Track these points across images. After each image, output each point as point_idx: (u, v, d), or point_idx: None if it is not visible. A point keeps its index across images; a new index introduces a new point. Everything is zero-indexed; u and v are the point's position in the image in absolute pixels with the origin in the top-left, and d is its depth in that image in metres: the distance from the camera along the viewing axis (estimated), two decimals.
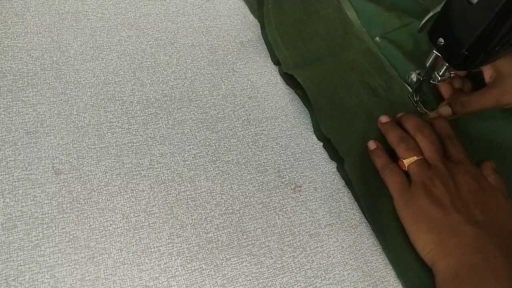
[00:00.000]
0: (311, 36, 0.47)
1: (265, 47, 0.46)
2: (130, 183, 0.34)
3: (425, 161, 0.37)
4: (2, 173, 0.32)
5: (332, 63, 0.45)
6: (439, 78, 0.41)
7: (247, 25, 0.48)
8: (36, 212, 0.31)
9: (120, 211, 0.33)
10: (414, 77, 0.43)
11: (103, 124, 0.37)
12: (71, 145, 0.35)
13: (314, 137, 0.41)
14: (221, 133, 0.39)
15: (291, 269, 0.33)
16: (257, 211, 0.35)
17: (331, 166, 0.40)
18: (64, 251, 0.30)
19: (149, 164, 0.35)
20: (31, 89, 0.37)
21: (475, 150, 0.42)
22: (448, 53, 0.37)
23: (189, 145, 0.37)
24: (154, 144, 0.37)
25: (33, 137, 0.34)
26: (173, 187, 0.35)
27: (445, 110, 0.42)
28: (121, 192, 0.34)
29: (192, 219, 0.34)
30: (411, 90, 0.44)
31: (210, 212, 0.34)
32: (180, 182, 0.35)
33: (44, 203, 0.32)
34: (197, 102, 0.40)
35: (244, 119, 0.40)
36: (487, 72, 0.42)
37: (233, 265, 0.32)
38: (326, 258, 0.34)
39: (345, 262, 0.34)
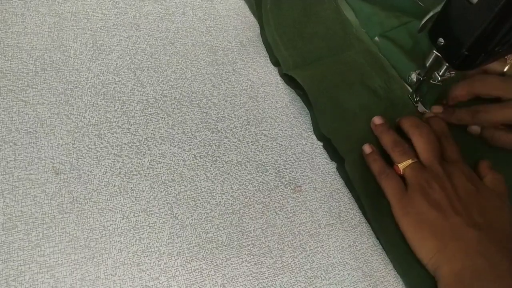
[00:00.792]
0: (310, 36, 0.47)
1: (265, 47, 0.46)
2: (130, 183, 0.34)
3: (420, 164, 0.37)
4: (2, 173, 0.32)
5: (332, 63, 0.45)
6: (439, 78, 0.41)
7: (247, 25, 0.48)
8: (36, 212, 0.31)
9: (120, 211, 0.33)
10: (414, 77, 0.43)
11: (103, 124, 0.37)
12: (71, 145, 0.35)
13: (314, 137, 0.41)
14: (221, 133, 0.39)
15: (291, 269, 0.33)
16: (257, 211, 0.35)
17: (331, 166, 0.40)
18: (64, 251, 0.30)
19: (149, 164, 0.35)
20: (31, 89, 0.37)
21: (475, 150, 0.42)
22: (448, 53, 0.37)
23: (189, 145, 0.37)
24: (154, 144, 0.37)
25: (33, 137, 0.34)
26: (173, 187, 0.35)
27: (438, 108, 0.42)
28: (121, 192, 0.34)
29: (192, 219, 0.34)
30: (411, 90, 0.44)
31: (210, 212, 0.34)
32: (180, 182, 0.35)
33: (44, 203, 0.32)
34: (197, 102, 0.40)
35: (244, 119, 0.40)
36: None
37: (233, 265, 0.32)
38: (326, 258, 0.34)
39: (345, 262, 0.34)
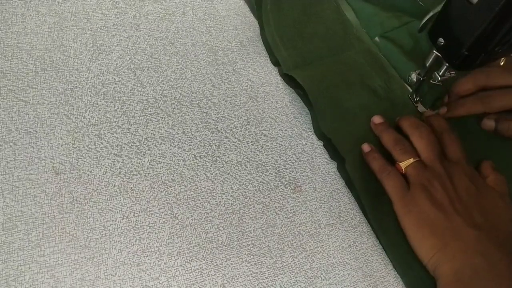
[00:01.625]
0: (310, 36, 0.47)
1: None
2: (130, 183, 0.34)
3: (421, 163, 0.37)
4: (2, 173, 0.32)
5: (332, 63, 0.45)
6: (439, 78, 0.40)
7: (247, 25, 0.48)
8: (36, 212, 0.31)
9: (120, 211, 0.33)
10: (414, 77, 0.43)
11: (103, 124, 0.37)
12: (71, 145, 0.35)
13: (314, 137, 0.41)
14: (221, 133, 0.39)
15: (291, 269, 0.33)
16: (257, 211, 0.35)
17: (331, 166, 0.40)
18: (64, 251, 0.30)
19: (149, 164, 0.35)
20: (31, 89, 0.37)
21: (475, 150, 0.42)
22: (448, 53, 0.37)
23: (189, 145, 0.37)
24: (154, 144, 0.37)
25: (33, 137, 0.34)
26: (173, 187, 0.35)
27: (443, 109, 0.42)
28: (121, 192, 0.34)
29: (192, 219, 0.34)
30: (411, 90, 0.44)
31: (210, 212, 0.34)
32: (180, 182, 0.35)
33: (44, 203, 0.32)
34: (197, 102, 0.40)
35: (244, 119, 0.40)
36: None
37: (233, 265, 0.32)
38: (326, 258, 0.34)
39: (345, 262, 0.34)
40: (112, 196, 0.33)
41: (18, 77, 0.37)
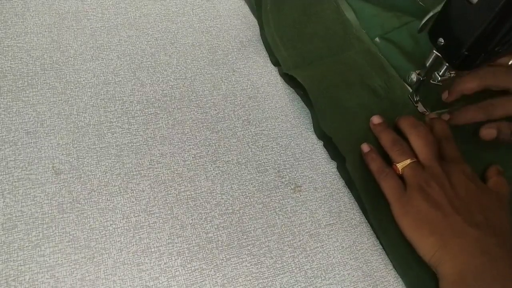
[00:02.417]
0: (310, 36, 0.47)
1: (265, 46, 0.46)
2: (130, 183, 0.34)
3: (418, 164, 0.37)
4: (2, 173, 0.32)
5: (332, 63, 0.45)
6: (439, 78, 0.40)
7: (247, 25, 0.48)
8: (36, 212, 0.31)
9: (120, 211, 0.33)
10: (414, 77, 0.43)
11: (103, 124, 0.37)
12: (71, 145, 0.35)
13: (314, 137, 0.41)
14: (221, 133, 0.39)
15: (291, 269, 0.33)
16: (257, 211, 0.35)
17: (331, 166, 0.40)
18: (64, 251, 0.30)
19: (149, 164, 0.35)
20: (31, 89, 0.37)
21: (476, 151, 0.42)
22: (448, 53, 0.37)
23: (189, 145, 0.37)
24: (154, 144, 0.37)
25: (33, 137, 0.34)
26: (173, 187, 0.35)
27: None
28: (121, 192, 0.34)
29: (192, 219, 0.34)
30: (411, 90, 0.44)
31: (210, 212, 0.34)
32: (180, 182, 0.35)
33: (44, 203, 0.32)
34: (197, 102, 0.40)
35: (244, 119, 0.40)
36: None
37: (233, 265, 0.32)
38: (326, 258, 0.34)
39: (345, 262, 0.34)
40: (112, 196, 0.33)
41: (18, 77, 0.37)
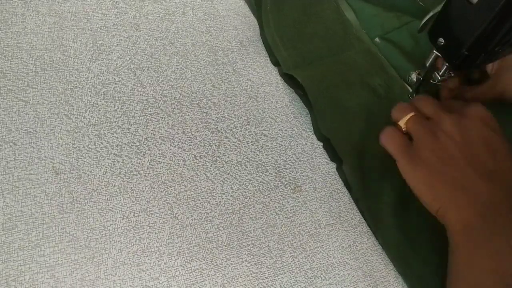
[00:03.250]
0: (310, 36, 0.47)
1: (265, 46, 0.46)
2: (130, 183, 0.34)
3: (421, 116, 0.35)
4: (2, 173, 0.32)
5: (332, 63, 0.45)
6: (439, 78, 0.41)
7: (247, 25, 0.48)
8: (36, 212, 0.31)
9: (120, 211, 0.33)
10: (414, 77, 0.43)
11: (103, 124, 0.37)
12: (71, 145, 0.35)
13: (314, 137, 0.41)
14: (221, 133, 0.39)
15: (291, 269, 0.33)
16: (257, 211, 0.35)
17: (331, 166, 0.40)
18: (64, 251, 0.30)
19: (149, 164, 0.35)
20: (31, 89, 0.37)
21: None
22: (448, 53, 0.37)
23: (189, 145, 0.37)
24: (154, 144, 0.37)
25: (33, 137, 0.34)
26: (173, 187, 0.35)
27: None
28: (121, 192, 0.34)
29: (192, 219, 0.34)
30: (411, 90, 0.44)
31: (210, 212, 0.34)
32: (180, 182, 0.35)
33: (44, 203, 0.32)
34: (197, 102, 0.40)
35: (244, 119, 0.40)
36: (489, 65, 0.41)
37: (233, 265, 0.32)
38: (326, 258, 0.34)
39: (345, 262, 0.34)
40: (112, 196, 0.33)
41: (18, 77, 0.37)
